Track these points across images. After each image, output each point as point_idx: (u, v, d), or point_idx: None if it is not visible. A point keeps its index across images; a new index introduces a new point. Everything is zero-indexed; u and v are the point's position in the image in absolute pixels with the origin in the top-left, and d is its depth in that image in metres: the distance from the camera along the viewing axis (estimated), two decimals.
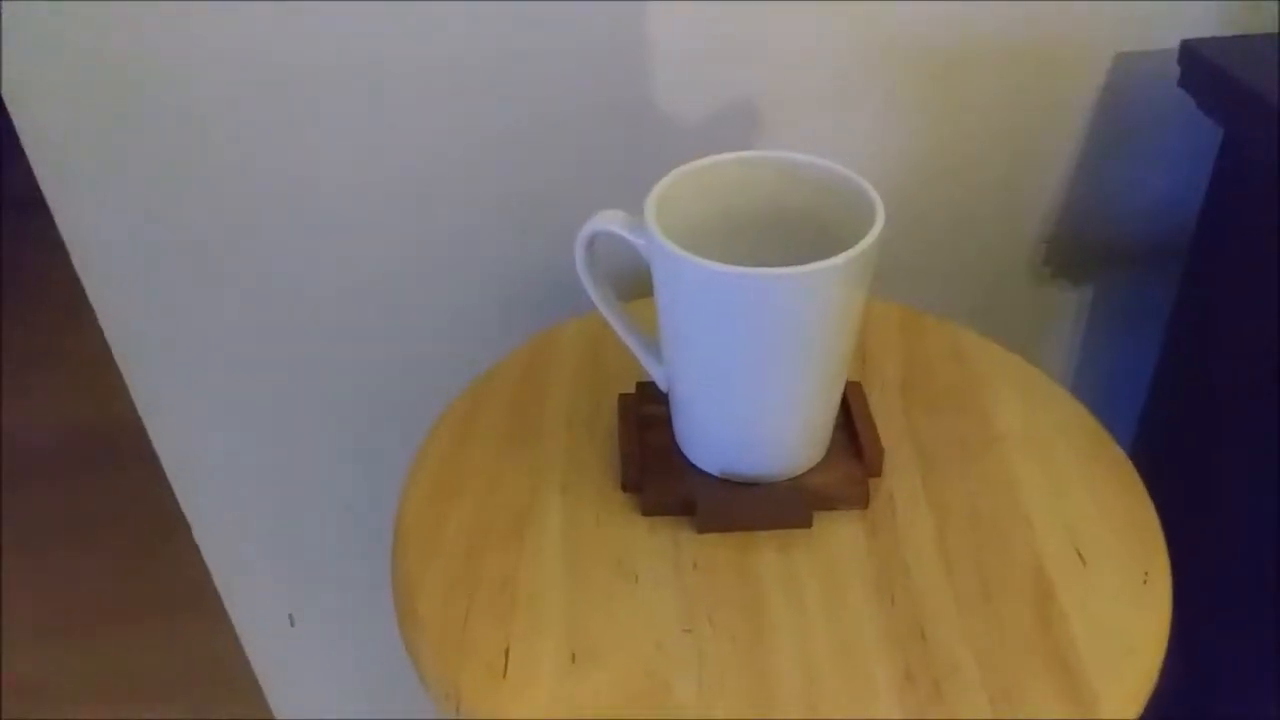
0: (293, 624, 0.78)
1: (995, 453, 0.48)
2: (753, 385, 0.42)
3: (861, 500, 0.45)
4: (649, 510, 0.45)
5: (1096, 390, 0.50)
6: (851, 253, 0.39)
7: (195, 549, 0.72)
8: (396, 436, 0.68)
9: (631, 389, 0.50)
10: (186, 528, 0.71)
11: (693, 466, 0.46)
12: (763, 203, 0.45)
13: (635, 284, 0.51)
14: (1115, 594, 0.42)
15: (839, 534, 0.44)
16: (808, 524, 0.45)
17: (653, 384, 0.49)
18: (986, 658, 0.39)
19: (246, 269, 0.60)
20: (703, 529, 0.45)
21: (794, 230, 0.45)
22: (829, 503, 0.45)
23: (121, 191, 0.56)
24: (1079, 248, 0.64)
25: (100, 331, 0.61)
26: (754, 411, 0.43)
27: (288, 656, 0.80)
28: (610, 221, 0.43)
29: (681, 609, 0.42)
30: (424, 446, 0.49)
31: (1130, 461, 0.47)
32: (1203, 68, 0.51)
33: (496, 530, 0.45)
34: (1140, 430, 0.47)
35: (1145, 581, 0.42)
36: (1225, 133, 0.54)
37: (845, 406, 0.47)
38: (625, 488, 0.47)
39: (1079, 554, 0.43)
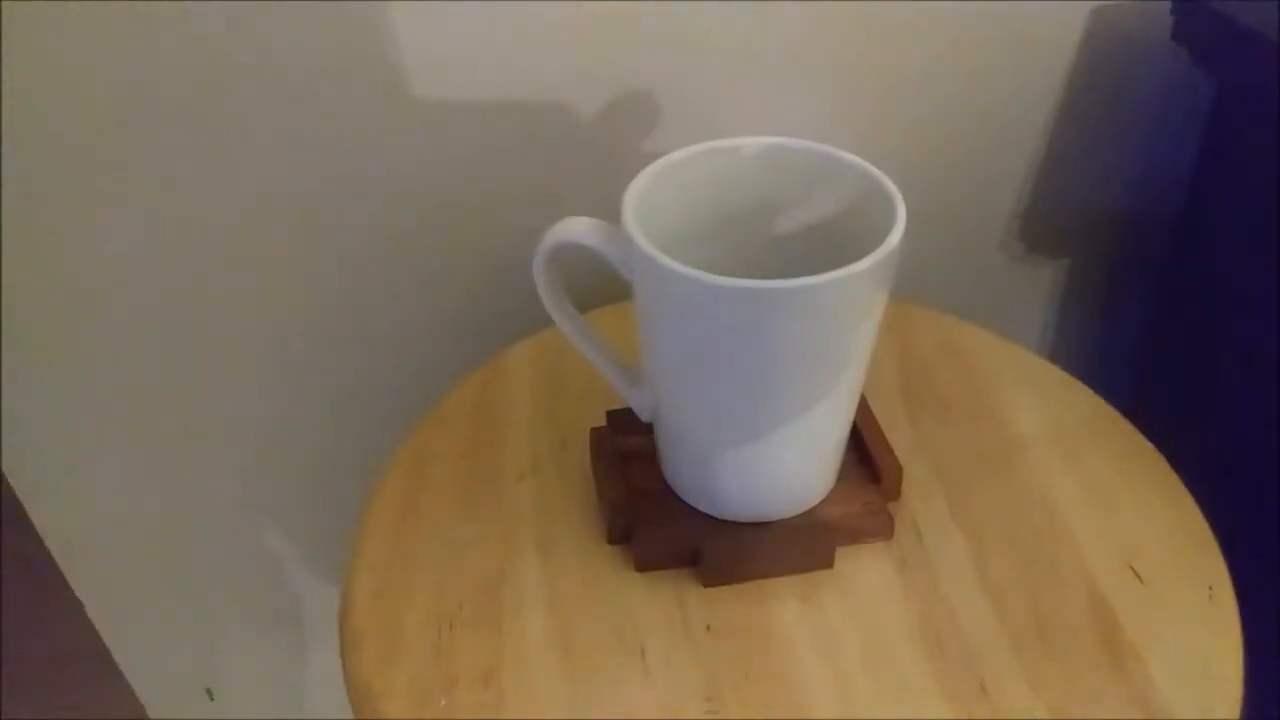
0: (212, 698, 0.69)
1: (1019, 460, 0.43)
2: (765, 412, 0.36)
3: (886, 530, 0.40)
4: (645, 565, 0.39)
5: (1075, 366, 0.46)
6: (877, 255, 0.33)
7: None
8: (325, 485, 0.60)
9: (601, 417, 0.43)
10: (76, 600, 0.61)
11: (689, 508, 0.40)
12: (746, 197, 0.39)
13: (584, 290, 0.44)
14: (1183, 616, 0.37)
15: (866, 573, 0.39)
16: (829, 564, 0.39)
17: (627, 411, 0.42)
18: (1061, 712, 0.34)
19: (143, 298, 0.51)
20: (710, 582, 0.38)
21: (781, 226, 0.39)
22: (851, 537, 0.39)
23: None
24: (1055, 221, 0.60)
25: None
26: (764, 441, 0.37)
27: None
28: (577, 231, 0.36)
29: (701, 683, 0.35)
30: (366, 517, 0.41)
31: (1164, 459, 0.43)
32: (1201, 15, 0.47)
33: (467, 612, 0.37)
34: (1130, 410, 0.44)
35: (1211, 597, 0.38)
36: (1221, 89, 0.50)
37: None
38: (613, 540, 0.40)
39: (1135, 572, 0.38)
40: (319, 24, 0.45)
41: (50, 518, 0.57)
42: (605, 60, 0.49)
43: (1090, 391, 0.46)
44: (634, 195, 0.35)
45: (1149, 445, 0.43)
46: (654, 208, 0.36)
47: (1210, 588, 0.38)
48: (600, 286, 0.46)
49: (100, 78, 0.44)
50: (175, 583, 0.62)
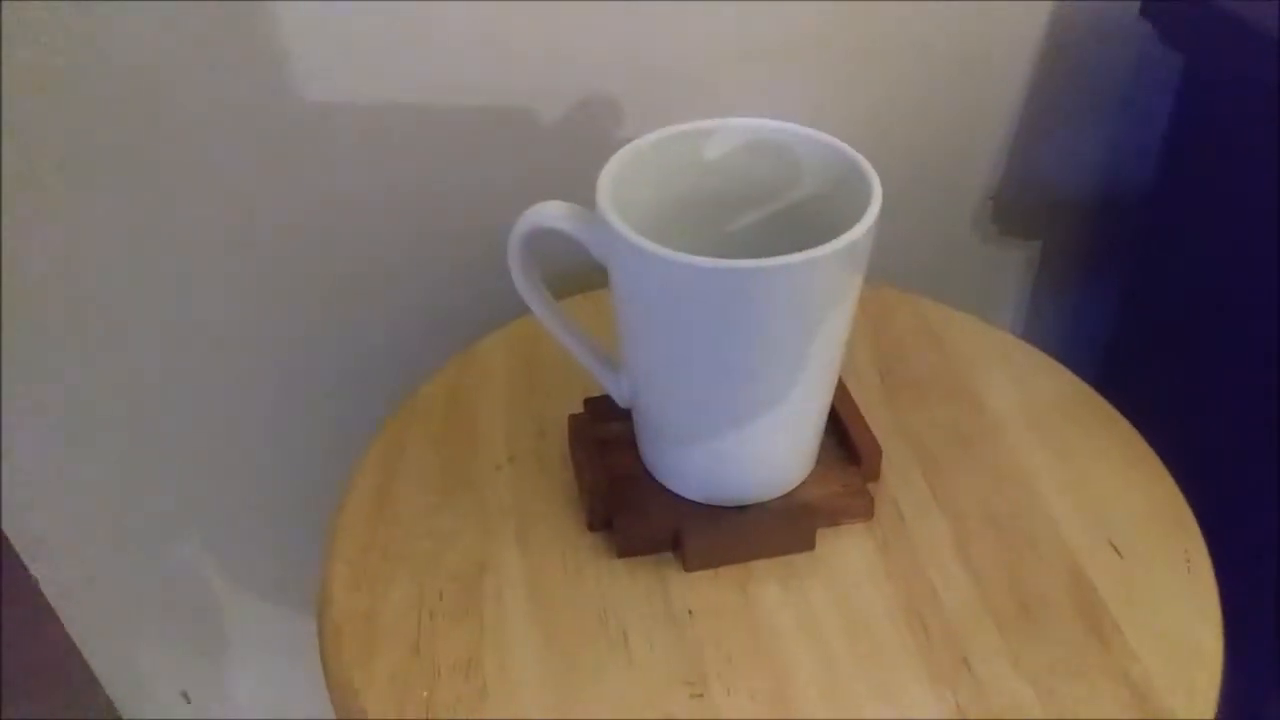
0: (188, 701, 0.68)
1: (998, 440, 0.43)
2: (743, 395, 0.36)
3: (866, 511, 0.40)
4: (626, 551, 0.39)
5: (1049, 346, 0.46)
6: (854, 233, 0.32)
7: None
8: (295, 484, 0.60)
9: (578, 406, 0.43)
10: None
11: (669, 493, 0.40)
12: (722, 180, 0.39)
13: (558, 278, 0.43)
14: (1162, 588, 0.37)
15: (848, 554, 0.39)
16: (811, 546, 0.39)
17: (605, 398, 0.42)
18: (1045, 687, 0.34)
19: (120, 303, 0.50)
20: (692, 566, 0.38)
21: (757, 209, 0.39)
22: (832, 518, 0.39)
23: None
24: (1027, 203, 0.60)
25: None
26: (744, 425, 0.37)
27: None
28: (552, 215, 0.36)
29: (686, 668, 0.35)
30: (341, 511, 0.41)
31: (1139, 433, 0.43)
32: None
33: (447, 604, 0.37)
34: (1103, 388, 0.44)
35: (1189, 569, 0.38)
36: (1189, 66, 0.51)
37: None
38: (593, 527, 0.40)
39: (1114, 547, 0.38)
40: (291, 14, 0.44)
41: (19, 519, 0.56)
42: (581, 51, 0.49)
43: (1066, 370, 0.46)
44: (608, 178, 0.35)
45: (1125, 422, 0.43)
46: (629, 191, 0.35)
47: (1188, 560, 0.38)
48: (575, 275, 0.46)
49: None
50: (148, 584, 0.61)
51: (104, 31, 0.43)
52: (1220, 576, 0.38)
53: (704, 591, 0.37)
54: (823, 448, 0.41)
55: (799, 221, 0.38)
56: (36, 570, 0.58)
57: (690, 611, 0.37)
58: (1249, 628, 0.39)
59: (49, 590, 0.60)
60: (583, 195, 0.35)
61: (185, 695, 0.68)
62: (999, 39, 0.54)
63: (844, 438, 0.41)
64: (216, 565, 0.62)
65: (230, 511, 0.60)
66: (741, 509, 0.39)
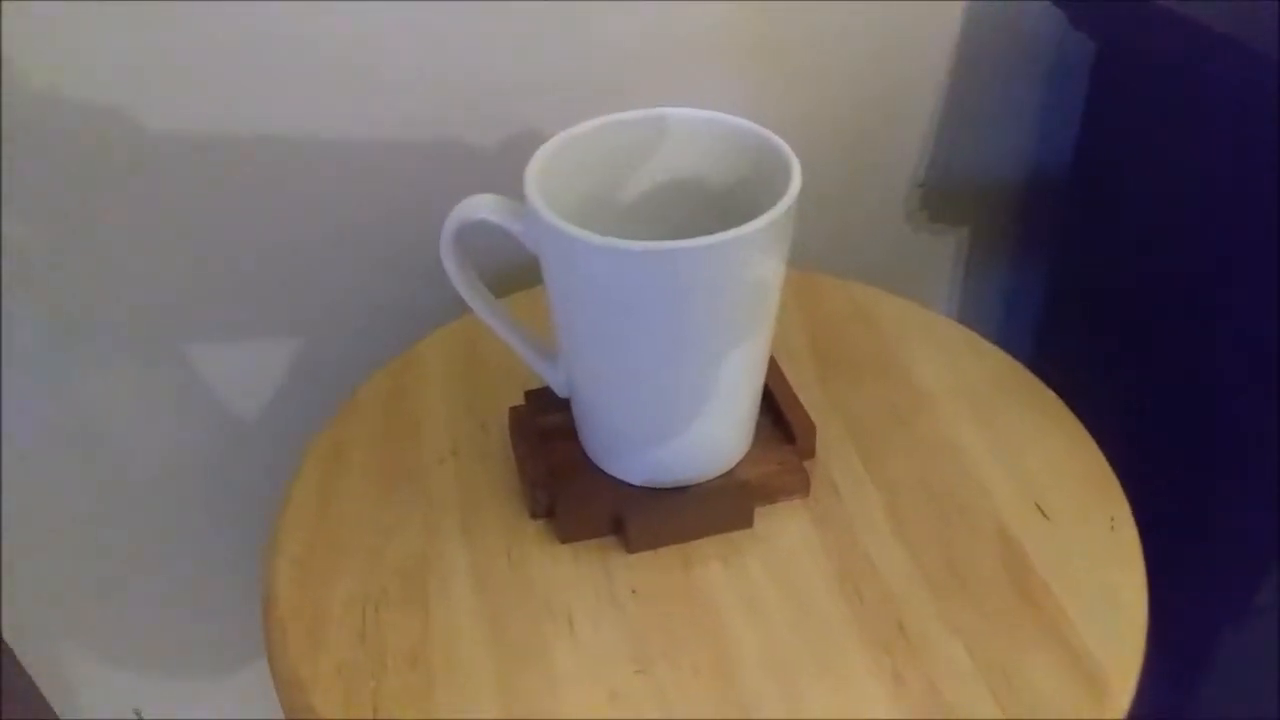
0: (140, 719, 0.68)
1: (930, 416, 0.44)
2: (674, 376, 0.36)
3: (803, 488, 0.40)
4: (569, 536, 0.39)
5: (984, 331, 0.48)
6: (776, 211, 0.33)
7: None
8: (243, 487, 0.59)
9: (519, 399, 0.44)
10: None
11: (609, 478, 0.40)
12: (652, 168, 0.40)
13: (498, 279, 0.44)
14: (1088, 548, 0.38)
15: (785, 530, 0.39)
16: (749, 524, 0.40)
17: (545, 390, 0.42)
18: (977, 644, 0.35)
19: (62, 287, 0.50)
20: (634, 548, 0.39)
21: (684, 197, 0.40)
22: (769, 496, 0.40)
23: None
24: (953, 190, 0.62)
25: None
26: (678, 407, 0.37)
27: None
28: (481, 208, 0.36)
29: (630, 648, 0.36)
30: (284, 509, 0.41)
31: (1065, 404, 0.44)
32: None
33: (392, 596, 0.37)
34: (1034, 367, 0.46)
35: (1113, 528, 0.39)
36: (1100, 51, 0.52)
37: (764, 385, 0.42)
38: (535, 515, 0.40)
39: (1041, 511, 0.40)
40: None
41: None
42: (515, 46, 0.49)
43: (996, 348, 0.47)
44: (535, 168, 0.36)
45: (1051, 394, 0.45)
46: (559, 184, 0.36)
47: (1112, 520, 0.39)
48: (515, 274, 0.46)
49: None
50: (97, 601, 0.61)
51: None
52: (1144, 537, 0.39)
53: (646, 572, 0.38)
54: (759, 427, 0.42)
55: (729, 209, 0.38)
56: None
57: (634, 591, 0.37)
58: (1173, 581, 0.41)
59: None
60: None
61: (137, 713, 0.67)
62: (918, 30, 0.55)
63: (779, 417, 0.42)
64: (164, 580, 0.61)
65: (173, 523, 0.59)
66: (681, 490, 0.40)
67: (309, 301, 0.54)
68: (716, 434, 0.39)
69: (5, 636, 0.60)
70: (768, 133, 0.37)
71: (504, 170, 0.38)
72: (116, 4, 0.43)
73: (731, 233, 0.33)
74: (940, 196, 0.62)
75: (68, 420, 0.53)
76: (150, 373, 0.53)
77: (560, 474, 0.40)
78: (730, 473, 0.40)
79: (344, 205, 0.52)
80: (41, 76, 0.44)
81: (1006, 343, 0.48)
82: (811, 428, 0.42)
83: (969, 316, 0.68)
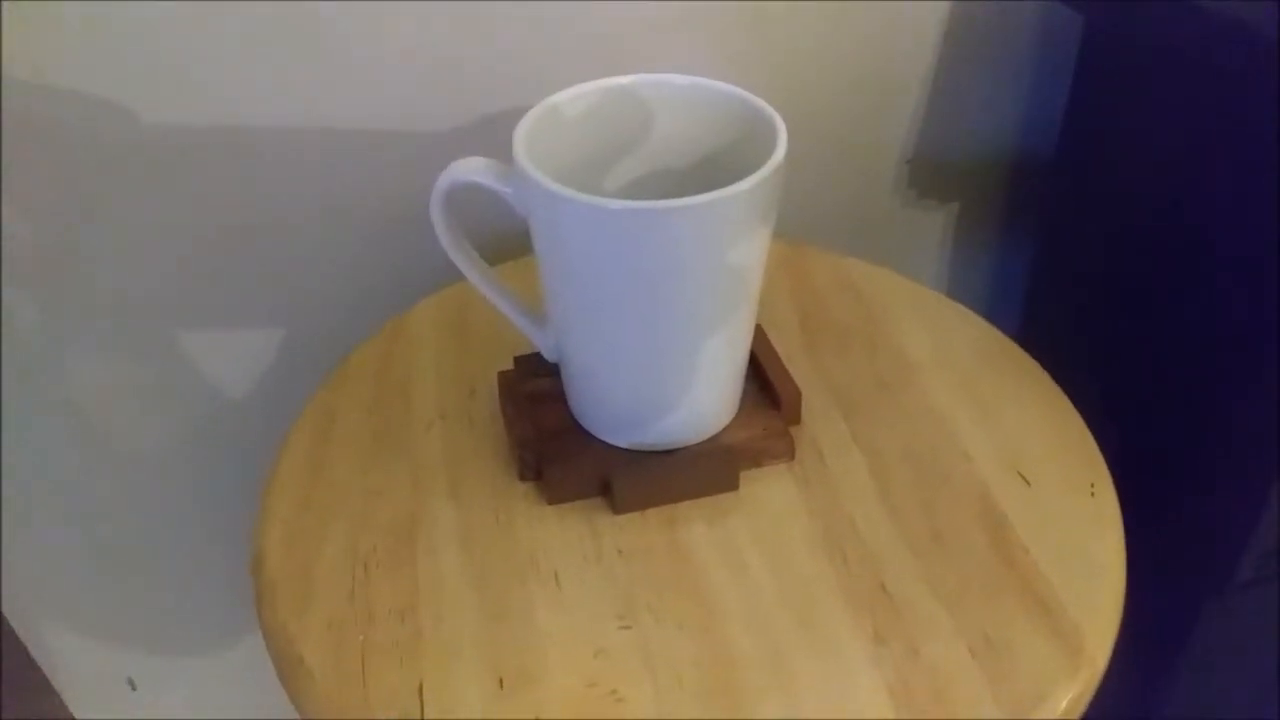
0: (134, 688, 0.68)
1: (915, 385, 0.44)
2: (662, 340, 0.37)
3: (788, 452, 0.41)
4: (556, 498, 0.40)
5: (971, 306, 0.48)
6: (761, 173, 0.34)
7: None
8: (235, 460, 0.60)
9: (508, 365, 0.44)
10: None
11: (597, 441, 0.41)
12: (637, 135, 0.40)
13: (492, 248, 0.44)
14: (1067, 513, 0.39)
15: (770, 493, 0.40)
16: (734, 486, 0.40)
17: (534, 356, 0.43)
18: (957, 605, 0.36)
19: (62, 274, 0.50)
20: (621, 509, 0.39)
21: (673, 163, 0.40)
22: (754, 459, 0.41)
23: None
24: (941, 165, 0.62)
25: None
26: (664, 370, 0.38)
27: None
28: (470, 170, 0.37)
29: (615, 604, 0.36)
30: (274, 474, 0.41)
31: (1048, 374, 0.45)
32: None
33: (381, 555, 0.38)
34: (1019, 340, 0.46)
35: (1092, 494, 0.40)
36: (1088, 28, 0.53)
37: (750, 353, 0.43)
38: (524, 477, 0.41)
39: (1022, 477, 0.40)
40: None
41: None
42: (501, 22, 0.50)
43: (981, 319, 0.48)
44: (524, 131, 0.36)
45: (1035, 364, 0.45)
46: (548, 148, 0.36)
47: (1092, 486, 0.40)
48: (506, 242, 0.47)
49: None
50: (90, 570, 0.61)
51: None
52: (1124, 504, 0.39)
53: (633, 533, 0.39)
54: (745, 393, 0.42)
55: (721, 171, 0.39)
56: None
57: (620, 551, 0.38)
58: (1152, 554, 0.41)
59: None
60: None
61: (131, 682, 0.68)
62: (906, 7, 0.56)
63: (765, 384, 0.43)
64: (157, 550, 0.62)
65: (166, 493, 0.60)
66: (668, 453, 0.40)
67: (299, 285, 0.54)
68: (703, 399, 0.40)
69: (4, 610, 0.60)
70: (753, 97, 0.37)
71: (491, 148, 0.38)
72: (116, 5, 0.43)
73: (713, 194, 0.33)
74: (928, 173, 0.62)
75: (63, 400, 0.54)
76: (146, 355, 0.54)
77: (548, 436, 0.41)
78: (716, 437, 0.41)
79: (332, 187, 0.52)
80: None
81: (993, 318, 0.48)
82: (797, 394, 0.42)
83: (956, 292, 0.68)
